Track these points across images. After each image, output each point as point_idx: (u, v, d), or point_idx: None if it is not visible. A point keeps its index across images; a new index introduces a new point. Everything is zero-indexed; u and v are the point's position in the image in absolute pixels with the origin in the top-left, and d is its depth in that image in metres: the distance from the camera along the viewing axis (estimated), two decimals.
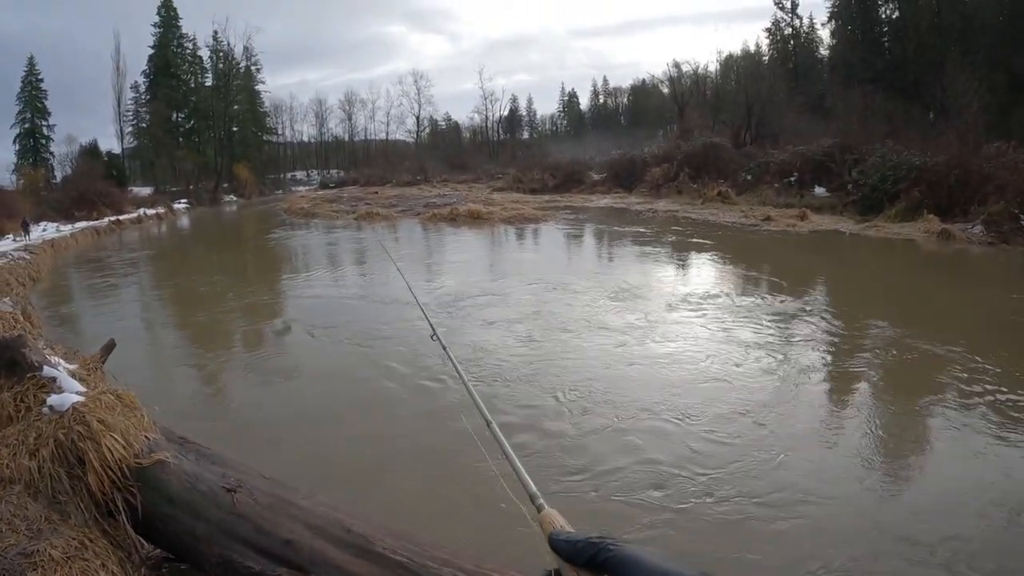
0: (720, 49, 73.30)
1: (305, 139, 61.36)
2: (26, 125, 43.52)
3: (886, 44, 34.31)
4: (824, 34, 39.67)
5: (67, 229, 22.51)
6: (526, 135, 63.11)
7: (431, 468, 4.03)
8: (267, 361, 6.73)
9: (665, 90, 48.29)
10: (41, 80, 44.01)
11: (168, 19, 48.58)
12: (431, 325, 2.21)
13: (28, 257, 14.98)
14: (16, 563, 2.09)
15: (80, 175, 34.82)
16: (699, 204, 22.84)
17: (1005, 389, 5.10)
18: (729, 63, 46.87)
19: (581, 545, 0.82)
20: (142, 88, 48.26)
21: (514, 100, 62.60)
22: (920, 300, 9.00)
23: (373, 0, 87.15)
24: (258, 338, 7.84)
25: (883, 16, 34.87)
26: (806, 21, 41.60)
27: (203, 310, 9.47)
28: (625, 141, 43.31)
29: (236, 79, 50.48)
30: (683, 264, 12.13)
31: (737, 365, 5.85)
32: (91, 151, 42.82)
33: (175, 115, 48.88)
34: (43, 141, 43.82)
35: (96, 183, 31.55)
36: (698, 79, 44.25)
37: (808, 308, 8.08)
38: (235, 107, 50.72)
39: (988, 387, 5.16)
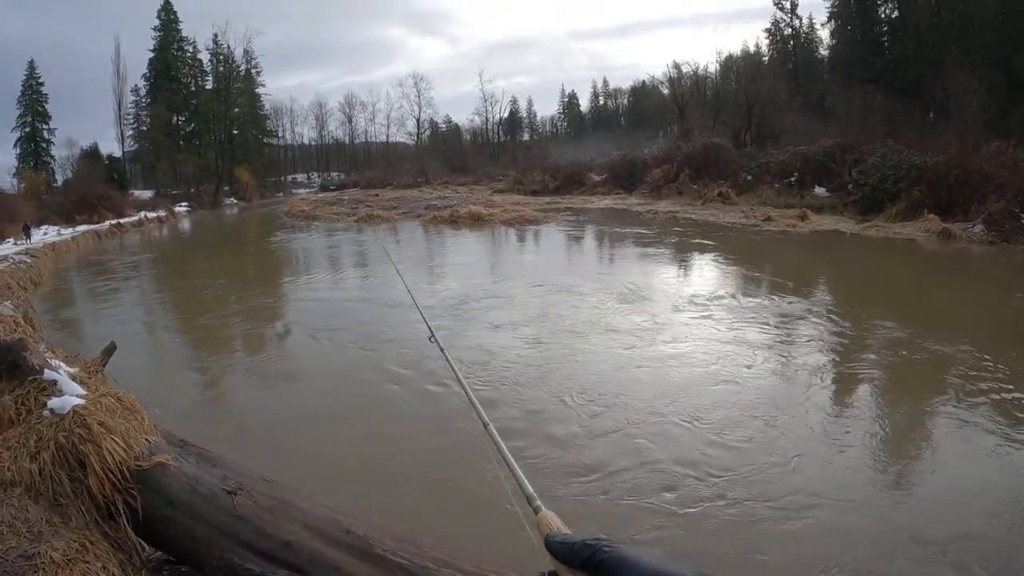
0: (720, 50, 73.27)
1: (305, 142, 61.70)
2: (27, 129, 43.62)
3: (886, 44, 34.33)
4: (824, 34, 39.82)
5: (68, 233, 22.53)
6: (526, 137, 63.28)
7: (431, 470, 4.02)
8: (268, 364, 6.71)
9: (665, 91, 48.22)
10: (42, 84, 44.18)
11: (168, 22, 48.71)
12: (429, 327, 2.20)
13: (29, 261, 14.98)
14: (17, 565, 2.08)
15: (81, 178, 34.87)
16: (700, 205, 22.84)
17: (1012, 388, 5.08)
18: (729, 64, 47.08)
19: (577, 547, 0.81)
20: (142, 91, 48.47)
21: (514, 102, 62.86)
22: (923, 300, 8.98)
23: (373, 3, 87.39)
24: (259, 341, 7.82)
25: (883, 16, 34.91)
26: (806, 21, 41.77)
27: (204, 313, 9.45)
28: (625, 142, 43.32)
29: (236, 82, 50.63)
30: (686, 265, 12.11)
31: (747, 367, 5.83)
32: (92, 154, 42.88)
33: (176, 118, 48.99)
34: (44, 145, 43.95)
35: (97, 186, 31.55)
36: (698, 80, 44.27)
37: (813, 308, 8.07)
38: (235, 110, 50.83)
39: (996, 386, 5.14)
